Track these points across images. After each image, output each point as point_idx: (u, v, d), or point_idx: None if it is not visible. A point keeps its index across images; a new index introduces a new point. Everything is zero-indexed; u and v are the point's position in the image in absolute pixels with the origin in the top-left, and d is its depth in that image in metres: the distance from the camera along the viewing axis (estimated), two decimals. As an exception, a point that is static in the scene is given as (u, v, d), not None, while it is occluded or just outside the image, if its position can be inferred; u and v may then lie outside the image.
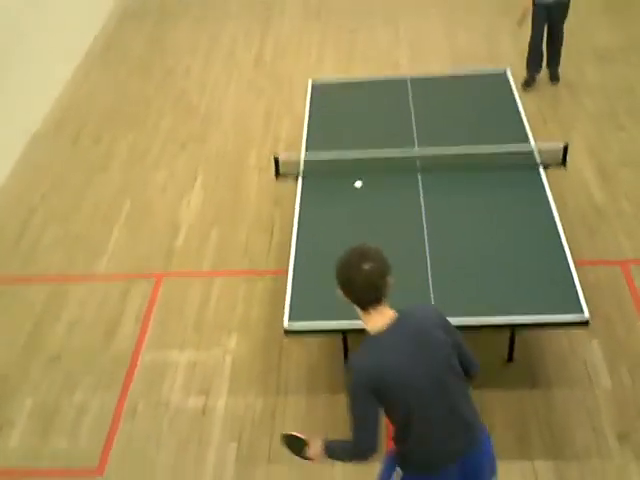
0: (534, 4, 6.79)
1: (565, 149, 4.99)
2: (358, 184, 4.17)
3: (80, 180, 6.49)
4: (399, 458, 3.08)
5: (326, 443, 3.07)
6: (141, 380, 4.69)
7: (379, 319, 2.86)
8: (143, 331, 5.01)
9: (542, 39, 6.98)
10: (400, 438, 3.00)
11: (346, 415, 4.29)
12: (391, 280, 2.87)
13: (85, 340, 5.00)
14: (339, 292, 2.87)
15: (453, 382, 2.91)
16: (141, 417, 4.46)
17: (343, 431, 4.24)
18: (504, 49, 7.79)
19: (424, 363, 2.84)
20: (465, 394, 2.99)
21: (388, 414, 2.93)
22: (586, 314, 3.93)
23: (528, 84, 7.10)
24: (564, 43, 7.06)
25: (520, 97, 5.65)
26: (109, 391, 4.64)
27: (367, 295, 2.82)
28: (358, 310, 2.89)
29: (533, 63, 7.11)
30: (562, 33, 7.00)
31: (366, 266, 2.80)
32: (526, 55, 7.11)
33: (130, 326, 5.06)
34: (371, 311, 2.86)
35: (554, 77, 7.19)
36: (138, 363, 4.80)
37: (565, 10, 6.84)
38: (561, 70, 7.21)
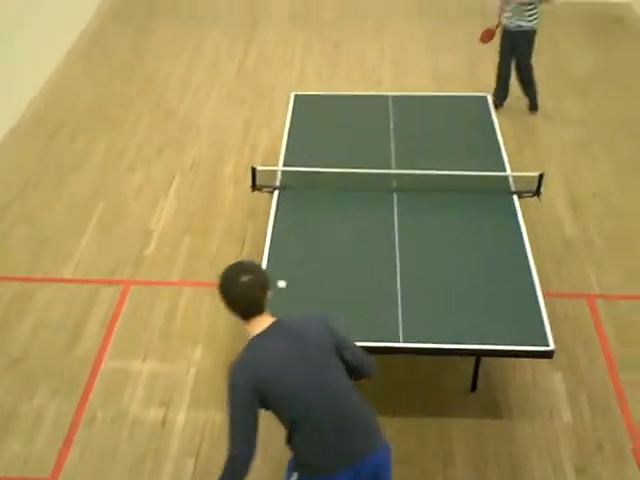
0: (502, 30, 6.91)
1: (540, 178, 5.03)
2: (282, 284, 4.23)
3: (54, 179, 6.42)
4: (294, 461, 3.15)
5: None
6: (102, 388, 4.63)
7: (258, 326, 3.01)
8: (107, 338, 4.96)
9: (507, 66, 7.01)
10: (290, 440, 3.07)
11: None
12: (270, 293, 3.03)
13: (48, 344, 4.93)
14: (226, 308, 3.02)
15: (335, 382, 3.00)
16: (99, 426, 4.41)
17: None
18: (486, 73, 7.83)
19: (299, 361, 2.95)
20: (354, 396, 3.07)
21: (277, 416, 3.03)
22: (551, 345, 3.95)
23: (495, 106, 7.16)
24: (534, 77, 7.03)
25: (499, 124, 5.68)
26: (68, 398, 4.57)
27: (247, 307, 2.97)
28: (242, 323, 3.04)
29: (497, 88, 7.17)
30: (527, 64, 6.93)
31: (244, 279, 2.95)
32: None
33: (94, 332, 5.00)
34: (251, 321, 3.00)
35: (531, 107, 7.24)
36: (100, 371, 4.74)
37: (527, 40, 6.78)
38: (540, 100, 7.27)
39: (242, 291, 2.94)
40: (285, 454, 3.28)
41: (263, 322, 3.01)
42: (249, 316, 2.99)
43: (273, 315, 3.06)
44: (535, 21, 6.65)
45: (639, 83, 7.70)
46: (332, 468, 3.02)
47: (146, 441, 4.33)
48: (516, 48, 6.86)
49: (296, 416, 2.97)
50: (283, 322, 3.04)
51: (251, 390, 2.91)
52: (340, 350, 3.08)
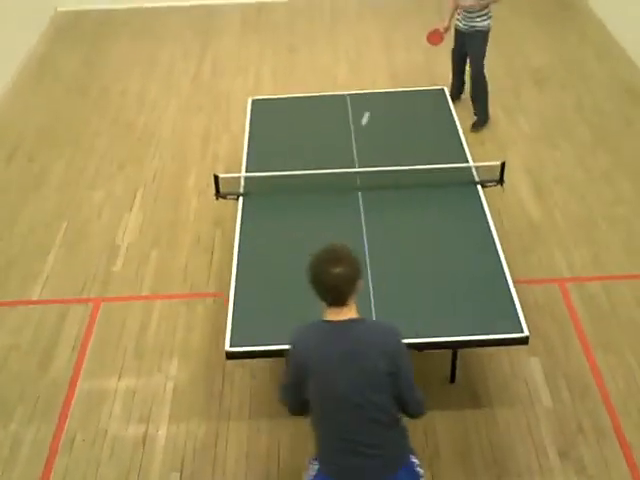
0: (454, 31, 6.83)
1: (502, 167, 5.07)
2: (365, 119, 3.96)
3: (14, 200, 6.32)
4: (316, 446, 3.16)
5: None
6: (79, 409, 4.56)
7: (335, 315, 2.94)
8: (80, 358, 4.88)
9: (462, 62, 6.95)
10: (313, 425, 3.10)
11: (289, 442, 4.28)
12: (360, 284, 2.94)
13: (20, 368, 4.84)
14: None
15: (370, 408, 2.93)
16: (79, 448, 4.33)
17: (285, 458, 4.22)
18: (443, 67, 7.89)
19: (347, 373, 2.89)
20: (381, 424, 2.98)
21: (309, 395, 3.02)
22: (525, 331, 3.98)
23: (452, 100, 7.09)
24: (487, 84, 6.82)
25: (458, 117, 5.72)
26: (45, 421, 4.49)
27: (332, 297, 2.91)
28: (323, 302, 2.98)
29: (454, 81, 7.18)
30: (481, 65, 6.75)
31: (335, 270, 2.85)
32: None
33: (67, 353, 4.92)
34: (334, 308, 2.94)
35: (477, 122, 6.93)
36: (76, 391, 4.67)
37: (481, 39, 6.63)
38: (498, 90, 7.31)
39: (331, 283, 2.86)
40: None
41: (340, 314, 2.93)
42: (331, 304, 2.94)
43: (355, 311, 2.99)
44: (488, 21, 6.57)
45: (592, 71, 7.81)
46: (335, 475, 3.05)
47: (128, 459, 4.27)
48: (469, 48, 6.75)
49: (322, 415, 2.98)
50: (356, 326, 2.94)
51: (297, 364, 2.97)
52: (392, 377, 2.94)
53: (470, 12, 6.52)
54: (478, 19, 6.54)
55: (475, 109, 6.95)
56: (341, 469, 3.04)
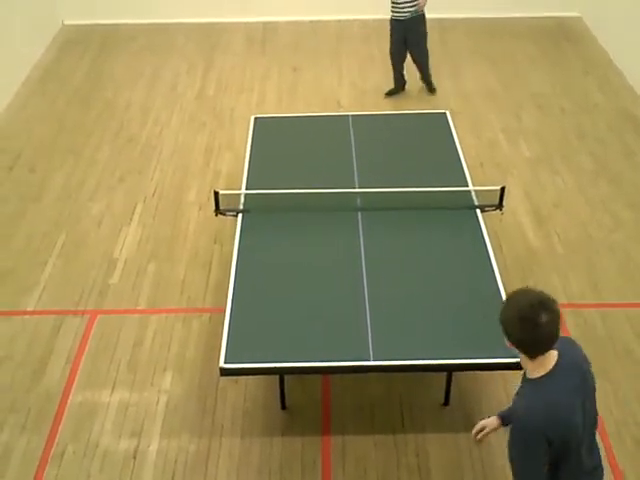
0: (391, 20, 7.45)
1: (502, 191, 5.08)
2: None
3: (14, 209, 6.32)
4: None
5: None
6: (71, 421, 4.54)
7: (546, 363, 2.77)
8: (74, 370, 4.87)
9: (401, 56, 7.62)
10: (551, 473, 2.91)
11: (280, 461, 4.26)
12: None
13: (13, 378, 4.82)
14: (506, 341, 2.76)
15: (591, 422, 2.91)
16: (69, 461, 4.31)
17: (277, 476, 4.19)
18: (444, 91, 7.94)
19: (584, 401, 2.81)
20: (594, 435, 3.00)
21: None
22: (520, 357, 3.97)
23: (389, 94, 7.87)
24: (428, 59, 7.68)
25: (459, 140, 5.74)
26: (36, 433, 4.47)
27: (544, 348, 2.72)
28: (522, 356, 2.79)
29: (396, 78, 7.81)
30: (426, 47, 7.60)
31: (546, 319, 2.63)
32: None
33: (61, 364, 4.91)
34: (539, 357, 2.75)
35: (430, 89, 7.86)
36: (68, 403, 4.65)
37: (422, 23, 7.40)
38: (499, 115, 7.38)
39: (544, 333, 2.64)
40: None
41: (550, 358, 2.76)
42: (538, 354, 2.72)
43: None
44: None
45: (594, 98, 7.85)
46: None
47: (118, 473, 4.24)
48: (414, 35, 7.43)
49: (566, 455, 2.82)
50: (565, 358, 2.79)
51: (546, 434, 2.71)
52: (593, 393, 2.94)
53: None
54: (415, 3, 7.27)
55: (425, 77, 7.82)
56: None
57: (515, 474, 2.85)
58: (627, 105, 7.68)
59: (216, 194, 5.08)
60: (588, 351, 4.86)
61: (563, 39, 9.05)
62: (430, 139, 5.79)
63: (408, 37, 7.47)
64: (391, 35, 7.56)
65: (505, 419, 3.17)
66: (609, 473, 4.18)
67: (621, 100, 7.78)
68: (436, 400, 4.59)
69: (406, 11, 7.29)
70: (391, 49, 7.66)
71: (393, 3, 7.34)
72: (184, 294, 5.44)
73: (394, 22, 7.45)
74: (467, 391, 4.67)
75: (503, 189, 5.07)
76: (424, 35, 7.54)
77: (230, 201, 5.20)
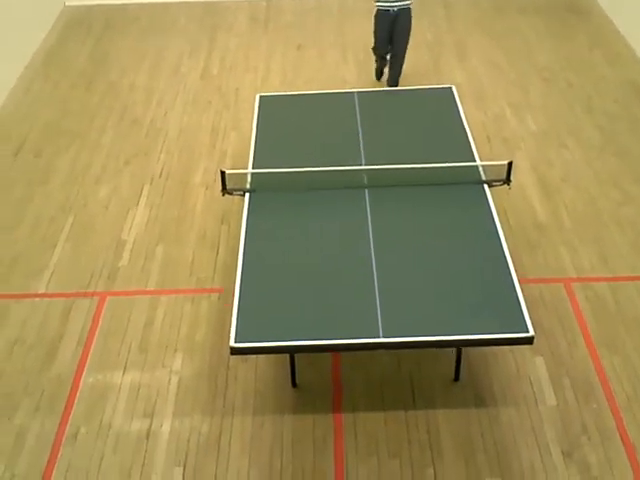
0: (376, 12, 7.16)
1: (509, 166, 5.05)
2: None
3: (21, 194, 6.33)
4: None
5: None
6: (83, 403, 4.57)
7: None
8: (85, 352, 4.89)
9: (386, 45, 7.29)
10: None
11: (292, 438, 4.27)
12: None
13: (26, 360, 4.85)
14: None
15: None
16: (83, 441, 4.34)
17: (289, 454, 4.22)
18: (450, 66, 7.88)
19: None
20: None
21: None
22: (531, 331, 3.97)
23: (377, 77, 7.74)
24: (405, 54, 7.32)
25: (465, 115, 5.71)
26: (50, 414, 4.50)
27: None
28: None
29: (379, 65, 7.59)
30: (408, 40, 7.27)
31: None
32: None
33: (72, 346, 4.93)
34: None
35: (392, 82, 7.39)
36: (80, 385, 4.68)
37: (410, 17, 7.15)
38: (505, 89, 7.33)
39: None
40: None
41: None
42: None
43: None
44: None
45: (602, 71, 7.78)
46: None
47: (132, 453, 4.28)
48: (400, 29, 7.14)
49: None
50: None
51: None
52: None
53: None
54: None
55: (395, 68, 7.37)
56: None
57: None
58: (635, 78, 7.61)
59: (223, 174, 5.07)
60: (598, 324, 4.91)
61: (570, 12, 8.95)
62: (436, 114, 5.76)
63: (395, 30, 7.13)
64: (375, 30, 7.23)
65: None
66: (620, 446, 4.20)
67: (629, 73, 7.71)
68: (446, 376, 4.60)
69: (392, 2, 6.98)
70: (375, 44, 7.33)
71: None
72: (193, 275, 5.45)
73: (381, 13, 7.10)
74: (477, 367, 4.67)
75: (510, 164, 5.04)
76: (409, 30, 7.21)
77: (237, 181, 5.18)
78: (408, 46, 7.28)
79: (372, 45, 7.42)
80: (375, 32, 7.26)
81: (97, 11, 9.43)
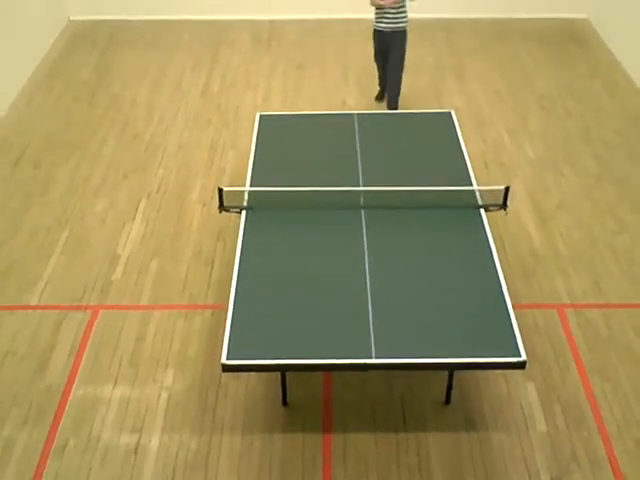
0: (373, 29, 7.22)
1: (506, 191, 5.07)
2: None
3: (18, 205, 6.34)
4: None
5: None
6: (72, 416, 4.55)
7: None
8: (76, 365, 4.88)
9: (383, 69, 7.40)
10: None
11: (281, 458, 4.25)
12: None
13: (16, 372, 4.83)
14: None
15: None
16: (70, 455, 4.32)
17: (277, 474, 4.20)
18: (449, 92, 7.93)
19: None
20: None
21: None
22: (523, 355, 3.96)
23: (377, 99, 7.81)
24: (401, 75, 7.27)
25: (464, 140, 5.74)
26: (38, 427, 4.48)
27: None
28: None
29: (382, 87, 7.65)
30: (403, 63, 7.25)
31: None
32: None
33: (63, 359, 4.92)
34: None
35: (392, 105, 7.34)
36: (70, 398, 4.66)
37: (404, 40, 7.15)
38: (503, 114, 7.38)
39: None
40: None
41: None
42: None
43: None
44: (405, 20, 7.05)
45: (601, 101, 7.83)
46: None
47: (120, 468, 4.25)
48: (393, 49, 7.16)
49: None
50: None
51: None
52: None
53: (395, 13, 6.97)
54: (400, 18, 7.02)
55: (392, 89, 7.32)
56: None
57: None
58: (634, 108, 7.66)
59: (220, 191, 5.08)
60: (590, 351, 4.91)
61: (570, 41, 9.03)
62: (435, 138, 5.79)
63: (390, 51, 7.19)
64: (373, 45, 7.33)
65: None
66: (610, 475, 4.19)
67: (628, 103, 7.76)
68: (437, 399, 4.59)
69: (386, 23, 7.03)
70: (375, 55, 7.44)
71: (376, 12, 7.08)
72: (186, 291, 5.44)
73: (376, 32, 7.19)
74: (469, 390, 4.66)
75: (507, 189, 5.06)
76: (403, 52, 7.22)
77: (234, 198, 5.19)
78: (404, 68, 7.30)
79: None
80: (373, 46, 7.40)
81: (102, 26, 9.49)
